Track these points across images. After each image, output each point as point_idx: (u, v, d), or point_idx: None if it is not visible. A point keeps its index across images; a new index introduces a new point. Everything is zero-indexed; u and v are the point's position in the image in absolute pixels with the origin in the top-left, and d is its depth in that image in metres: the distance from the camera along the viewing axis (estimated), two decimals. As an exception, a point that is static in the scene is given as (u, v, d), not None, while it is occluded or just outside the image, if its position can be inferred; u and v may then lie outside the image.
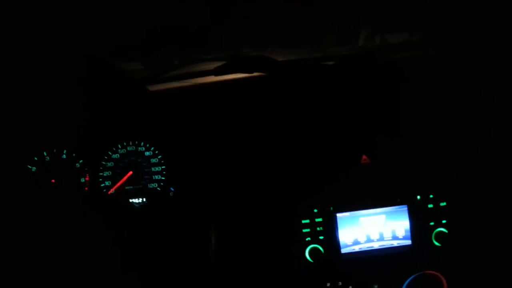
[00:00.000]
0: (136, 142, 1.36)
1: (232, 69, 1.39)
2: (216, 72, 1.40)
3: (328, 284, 1.25)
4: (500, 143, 1.30)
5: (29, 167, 1.33)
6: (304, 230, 1.27)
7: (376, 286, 1.25)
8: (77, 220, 1.29)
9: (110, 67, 1.33)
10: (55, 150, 1.34)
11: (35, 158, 1.33)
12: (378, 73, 1.38)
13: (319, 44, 1.92)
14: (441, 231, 1.25)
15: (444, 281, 1.24)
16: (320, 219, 1.27)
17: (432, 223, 1.27)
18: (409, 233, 1.26)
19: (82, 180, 1.34)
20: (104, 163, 1.35)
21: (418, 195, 1.28)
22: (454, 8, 1.60)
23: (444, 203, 1.27)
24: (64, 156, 1.34)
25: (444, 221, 1.26)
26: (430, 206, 1.27)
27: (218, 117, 1.37)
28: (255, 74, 1.39)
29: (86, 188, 1.33)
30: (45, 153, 1.33)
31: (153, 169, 1.36)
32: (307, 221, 1.27)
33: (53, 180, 1.33)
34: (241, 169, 1.34)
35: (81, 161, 1.34)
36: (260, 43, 1.91)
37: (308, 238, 1.26)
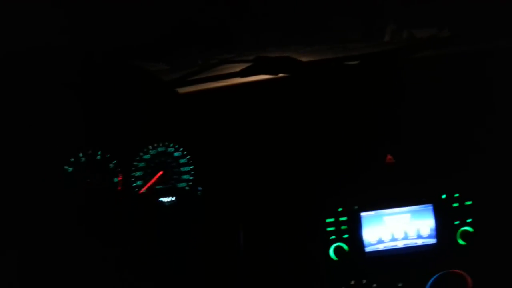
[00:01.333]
0: (166, 143, 1.42)
1: (257, 71, 1.42)
2: (242, 73, 1.42)
3: (353, 282, 1.27)
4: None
5: (66, 167, 1.40)
6: (329, 229, 1.29)
7: (400, 285, 1.26)
8: (110, 218, 1.35)
9: (141, 70, 1.38)
10: (90, 152, 1.40)
11: (72, 159, 1.40)
12: (401, 72, 1.38)
13: (344, 40, 1.91)
14: (466, 230, 1.25)
15: (469, 280, 1.24)
16: (344, 218, 1.29)
17: (457, 222, 1.27)
18: (434, 232, 1.27)
19: (115, 180, 1.40)
20: (136, 163, 1.41)
21: (443, 194, 1.28)
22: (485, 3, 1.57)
23: (470, 202, 1.27)
24: (98, 157, 1.40)
25: (469, 220, 1.26)
26: (456, 205, 1.28)
27: (244, 118, 1.40)
28: (280, 75, 1.41)
29: (119, 188, 1.40)
30: (80, 154, 1.40)
31: (182, 169, 1.41)
32: (332, 219, 1.30)
33: (88, 180, 1.39)
34: (268, 169, 1.37)
35: (114, 161, 1.40)
36: (284, 40, 1.91)
37: (332, 237, 1.29)
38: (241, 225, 1.33)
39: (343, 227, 1.29)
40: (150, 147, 1.41)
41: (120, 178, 1.40)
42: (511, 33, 1.38)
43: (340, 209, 1.30)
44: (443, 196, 1.28)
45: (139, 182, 1.41)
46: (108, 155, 1.40)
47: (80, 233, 1.32)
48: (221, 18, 1.77)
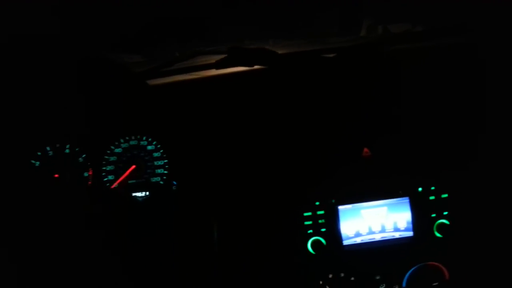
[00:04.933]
0: (138, 136, 1.37)
1: (233, 63, 1.39)
2: (217, 65, 1.39)
3: (330, 276, 1.26)
4: (502, 135, 1.29)
5: (33, 162, 1.34)
6: (306, 223, 1.28)
7: (378, 277, 1.26)
8: (80, 214, 1.29)
9: (111, 62, 1.33)
10: (58, 145, 1.35)
11: (39, 153, 1.34)
12: (379, 65, 1.38)
13: (321, 35, 1.90)
14: (442, 223, 1.25)
15: (446, 272, 1.25)
16: (322, 212, 1.28)
17: (433, 215, 1.27)
18: (411, 225, 1.27)
19: (86, 174, 1.35)
20: (107, 157, 1.36)
21: (419, 187, 1.28)
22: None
23: (446, 195, 1.28)
24: (67, 150, 1.35)
25: (445, 213, 1.27)
26: (432, 198, 1.28)
27: (219, 110, 1.37)
28: (256, 67, 1.39)
29: (90, 182, 1.34)
30: (48, 148, 1.34)
31: (155, 163, 1.37)
32: (309, 213, 1.28)
33: (56, 175, 1.34)
34: (243, 162, 1.34)
35: (84, 155, 1.35)
36: (261, 34, 1.89)
37: (310, 231, 1.27)
38: (216, 220, 1.29)
39: (320, 221, 1.28)
40: (122, 140, 1.37)
41: (90, 173, 1.35)
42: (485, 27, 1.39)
43: (317, 203, 1.28)
44: (420, 189, 1.28)
45: (110, 177, 1.36)
46: (77, 149, 1.35)
47: (48, 229, 1.27)
48: (199, 9, 1.74)
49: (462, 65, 1.33)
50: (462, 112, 1.31)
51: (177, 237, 1.28)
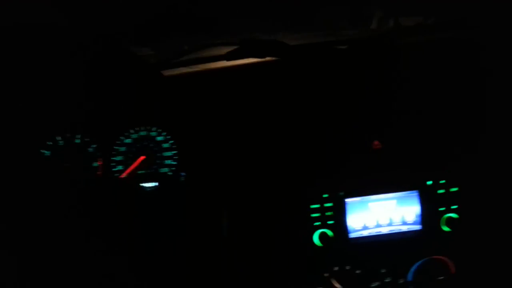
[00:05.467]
0: (148, 127, 1.38)
1: (244, 54, 1.39)
2: (228, 57, 1.39)
3: (336, 268, 1.26)
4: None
5: (43, 151, 1.35)
6: (313, 215, 1.28)
7: (384, 271, 1.26)
8: (89, 203, 1.31)
9: (124, 51, 1.34)
10: (68, 135, 1.36)
11: (49, 143, 1.35)
12: (390, 57, 1.37)
13: (332, 27, 1.89)
14: (451, 216, 1.25)
15: (452, 266, 1.24)
16: (329, 204, 1.28)
17: (442, 208, 1.26)
18: (419, 218, 1.26)
19: (95, 164, 1.36)
20: (116, 147, 1.37)
21: (429, 180, 1.27)
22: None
23: (455, 189, 1.27)
24: (77, 140, 1.36)
25: (454, 207, 1.26)
26: (441, 191, 1.27)
27: (230, 102, 1.37)
28: (267, 58, 1.38)
29: (99, 173, 1.36)
30: (58, 138, 1.36)
31: (164, 153, 1.37)
32: (317, 205, 1.28)
33: (66, 165, 1.35)
34: (252, 154, 1.34)
35: (94, 145, 1.36)
36: (271, 27, 1.89)
37: (317, 223, 1.27)
38: (225, 211, 1.30)
39: (327, 213, 1.27)
40: (132, 131, 1.38)
41: (100, 163, 1.36)
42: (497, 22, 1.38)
43: (325, 195, 1.28)
44: (429, 183, 1.27)
45: (120, 167, 1.37)
46: (87, 139, 1.36)
47: (58, 219, 1.28)
48: (209, 2, 1.74)
49: (473, 58, 1.32)
50: (473, 105, 1.30)
51: (186, 227, 1.29)
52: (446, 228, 1.25)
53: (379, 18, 1.88)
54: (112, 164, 1.36)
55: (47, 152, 1.36)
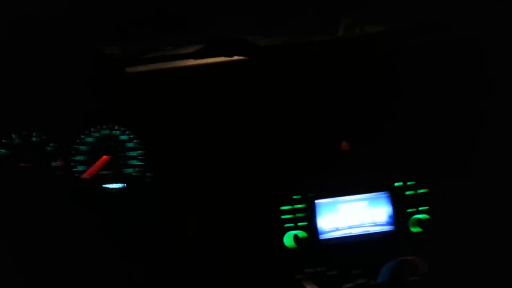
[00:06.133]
0: (111, 126, 1.32)
1: (211, 53, 1.36)
2: (196, 55, 1.36)
3: (308, 270, 1.24)
4: (484, 131, 1.30)
5: (-2, 150, 1.27)
6: (284, 216, 1.25)
7: (356, 272, 1.24)
8: (49, 205, 1.23)
9: (88, 47, 1.28)
10: (24, 132, 1.28)
11: (3, 141, 1.27)
12: (359, 59, 1.37)
13: (298, 34, 1.89)
14: (421, 217, 1.25)
15: (423, 267, 1.24)
16: (300, 206, 1.26)
17: (412, 209, 1.27)
18: (389, 219, 1.26)
19: (54, 164, 1.28)
20: (77, 146, 1.30)
21: (398, 181, 1.27)
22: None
23: (424, 190, 1.28)
24: (35, 138, 1.28)
25: (425, 207, 1.27)
26: (411, 192, 1.27)
27: (197, 101, 1.34)
28: (235, 58, 1.36)
29: (59, 173, 1.28)
30: (13, 136, 1.27)
31: (129, 153, 1.32)
32: (287, 207, 1.26)
33: (23, 164, 1.27)
34: (221, 155, 1.31)
35: (53, 144, 1.29)
36: (240, 30, 1.88)
37: (287, 224, 1.25)
38: (192, 213, 1.26)
39: (298, 215, 1.25)
40: (93, 129, 1.31)
41: (59, 163, 1.29)
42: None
43: (295, 197, 1.26)
44: (398, 184, 1.27)
45: (81, 167, 1.30)
46: (45, 137, 1.28)
47: (15, 221, 1.20)
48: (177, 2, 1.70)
49: (442, 60, 1.34)
50: (443, 107, 1.32)
51: (152, 230, 1.24)
52: (416, 229, 1.25)
53: (346, 25, 1.90)
54: (73, 164, 1.29)
55: (2, 151, 1.27)
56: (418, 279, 1.21)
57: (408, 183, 1.28)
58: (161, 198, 1.27)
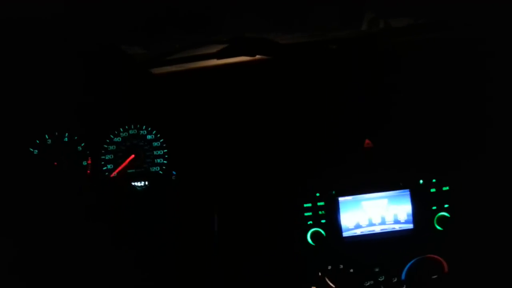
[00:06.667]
0: (138, 126, 1.36)
1: (234, 52, 1.38)
2: (219, 55, 1.38)
3: (330, 267, 1.25)
4: (504, 130, 1.29)
5: (31, 149, 1.33)
6: (306, 214, 1.27)
7: (377, 270, 1.25)
8: (79, 202, 1.29)
9: (114, 49, 1.32)
10: (56, 133, 1.34)
11: (37, 141, 1.33)
12: (382, 57, 1.37)
13: (322, 29, 1.89)
14: (443, 215, 1.25)
15: (445, 265, 1.24)
16: (322, 203, 1.27)
17: (434, 207, 1.26)
18: (411, 217, 1.26)
19: (84, 163, 1.34)
20: (106, 146, 1.35)
21: (421, 179, 1.27)
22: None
23: (447, 188, 1.27)
24: (66, 139, 1.34)
25: (446, 206, 1.26)
26: (433, 190, 1.27)
27: (220, 101, 1.36)
28: (258, 57, 1.37)
29: (88, 171, 1.33)
30: (46, 136, 1.33)
31: (155, 152, 1.36)
32: (309, 204, 1.27)
33: (55, 163, 1.32)
34: (244, 153, 1.33)
35: (83, 144, 1.34)
36: (262, 28, 1.88)
37: (310, 222, 1.26)
38: (216, 210, 1.29)
39: (320, 212, 1.27)
40: (121, 129, 1.36)
41: (89, 162, 1.34)
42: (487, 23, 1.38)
43: (317, 194, 1.28)
44: (421, 182, 1.27)
45: (109, 166, 1.35)
46: (76, 137, 1.34)
47: (46, 217, 1.26)
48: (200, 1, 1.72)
49: (464, 58, 1.32)
50: (464, 105, 1.30)
51: (177, 227, 1.28)
52: (438, 227, 1.25)
53: (370, 19, 1.89)
54: (101, 163, 1.34)
55: (35, 151, 1.33)
56: (440, 278, 1.21)
57: (432, 180, 1.27)
58: (186, 195, 1.31)
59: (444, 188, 1.27)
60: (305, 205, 1.27)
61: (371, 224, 1.26)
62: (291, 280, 1.26)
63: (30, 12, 1.28)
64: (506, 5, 1.34)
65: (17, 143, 1.31)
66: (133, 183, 1.34)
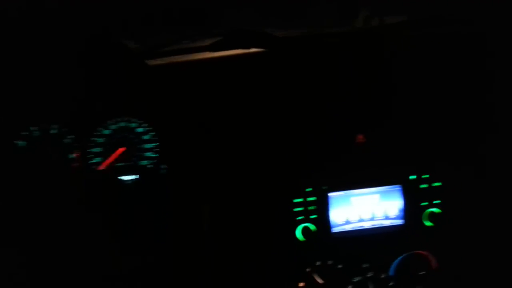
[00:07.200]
0: (128, 118, 1.34)
1: (229, 45, 1.36)
2: (213, 47, 1.36)
3: (319, 263, 1.24)
4: (496, 126, 1.28)
5: (17, 142, 1.31)
6: (296, 209, 1.26)
7: (366, 266, 1.24)
8: (66, 196, 1.27)
9: (106, 40, 1.30)
10: (44, 125, 1.32)
11: (24, 133, 1.31)
12: (376, 53, 1.36)
13: (317, 25, 1.88)
14: (433, 211, 1.24)
15: (433, 261, 1.24)
16: (312, 198, 1.26)
17: (425, 203, 1.26)
18: (401, 213, 1.25)
19: (72, 156, 1.32)
20: (94, 139, 1.33)
21: (412, 174, 1.26)
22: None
23: (438, 184, 1.26)
24: (53, 131, 1.32)
25: (437, 202, 1.25)
26: (424, 186, 1.26)
27: (213, 94, 1.35)
28: (252, 50, 1.36)
29: (76, 164, 1.32)
30: (32, 128, 1.31)
31: (145, 146, 1.34)
32: (300, 200, 1.26)
33: (42, 156, 1.31)
34: (235, 147, 1.32)
35: (71, 136, 1.32)
36: (258, 23, 1.87)
37: (300, 217, 1.25)
38: (206, 205, 1.27)
39: (310, 208, 1.26)
40: (111, 121, 1.34)
41: (77, 154, 1.32)
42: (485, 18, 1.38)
43: (308, 189, 1.26)
44: (412, 177, 1.26)
45: (97, 159, 1.33)
46: (64, 129, 1.32)
47: (35, 212, 1.24)
48: None
49: (456, 54, 1.32)
50: (456, 101, 1.30)
51: (167, 221, 1.26)
52: (428, 223, 1.24)
53: (365, 16, 1.88)
54: (89, 155, 1.32)
55: (22, 143, 1.31)
56: (428, 273, 1.21)
57: (423, 176, 1.26)
58: (175, 190, 1.29)
59: (436, 184, 1.26)
60: (296, 200, 1.26)
61: (361, 220, 1.26)
62: (280, 275, 1.25)
63: (19, 3, 1.27)
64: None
65: (2, 135, 1.29)
66: (121, 177, 1.32)
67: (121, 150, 1.33)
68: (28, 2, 1.29)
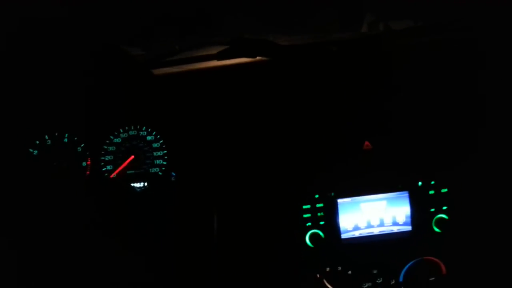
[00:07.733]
0: (138, 127, 1.36)
1: (234, 54, 1.38)
2: (219, 56, 1.38)
3: (328, 269, 1.26)
4: (502, 131, 1.29)
5: (31, 150, 1.33)
6: (305, 215, 1.27)
7: (375, 272, 1.26)
8: (78, 203, 1.29)
9: (115, 50, 1.32)
10: (56, 134, 1.34)
11: (37, 142, 1.33)
12: (381, 59, 1.37)
13: (322, 31, 1.89)
14: (441, 217, 1.25)
15: (443, 267, 1.24)
16: (321, 205, 1.27)
17: (432, 209, 1.26)
18: (409, 219, 1.26)
19: (84, 164, 1.34)
20: (105, 147, 1.35)
21: (419, 181, 1.27)
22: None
23: (445, 190, 1.27)
24: (65, 139, 1.34)
25: (444, 208, 1.26)
26: (431, 192, 1.27)
27: (220, 102, 1.36)
28: (258, 58, 1.38)
29: (88, 172, 1.34)
30: (46, 137, 1.34)
31: (154, 153, 1.36)
32: (308, 206, 1.27)
33: (54, 164, 1.33)
34: (243, 154, 1.33)
35: (82, 145, 1.34)
36: (262, 29, 1.89)
37: (308, 223, 1.27)
38: (216, 212, 1.29)
39: (319, 214, 1.27)
40: (121, 130, 1.36)
41: (88, 163, 1.34)
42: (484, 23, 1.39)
43: (316, 196, 1.28)
44: (419, 184, 1.28)
45: (109, 167, 1.35)
46: (76, 138, 1.34)
47: (46, 218, 1.26)
48: (200, 2, 1.72)
49: (463, 60, 1.33)
50: (463, 107, 1.30)
51: (176, 228, 1.28)
52: (436, 229, 1.25)
53: (370, 21, 1.89)
54: (101, 164, 1.34)
55: (34, 151, 1.33)
56: (438, 279, 1.22)
57: (430, 182, 1.27)
58: (185, 197, 1.31)
59: (443, 190, 1.27)
60: (304, 207, 1.27)
61: (369, 226, 1.27)
62: (290, 281, 1.26)
63: (31, 12, 1.29)
64: (506, 6, 1.35)
65: (16, 144, 1.32)
66: (132, 184, 1.34)
67: (131, 157, 1.35)
68: (40, 13, 1.31)
